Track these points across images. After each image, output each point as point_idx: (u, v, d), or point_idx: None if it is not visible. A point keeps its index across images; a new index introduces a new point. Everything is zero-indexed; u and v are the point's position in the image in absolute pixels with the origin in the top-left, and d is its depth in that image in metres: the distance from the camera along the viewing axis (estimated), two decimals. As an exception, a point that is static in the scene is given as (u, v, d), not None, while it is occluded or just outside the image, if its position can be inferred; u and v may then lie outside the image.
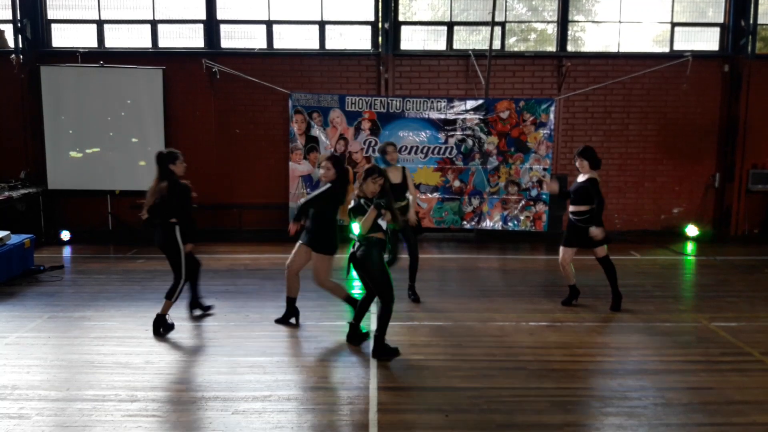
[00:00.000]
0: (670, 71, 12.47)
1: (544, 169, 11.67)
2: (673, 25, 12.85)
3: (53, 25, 12.66)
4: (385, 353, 5.95)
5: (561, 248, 7.83)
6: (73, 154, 12.32)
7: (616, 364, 6.00)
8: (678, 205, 13.18)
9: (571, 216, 7.73)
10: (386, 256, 6.20)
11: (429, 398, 5.17)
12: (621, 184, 13.06)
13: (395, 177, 7.60)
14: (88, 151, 12.34)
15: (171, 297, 6.70)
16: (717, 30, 12.94)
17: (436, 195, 11.74)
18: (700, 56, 12.50)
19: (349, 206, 6.16)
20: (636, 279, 9.34)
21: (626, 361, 6.06)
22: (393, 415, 4.87)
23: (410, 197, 7.88)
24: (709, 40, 12.97)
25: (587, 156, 7.54)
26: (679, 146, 12.95)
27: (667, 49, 12.90)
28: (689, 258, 11.10)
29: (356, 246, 6.05)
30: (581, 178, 7.64)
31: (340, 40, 12.93)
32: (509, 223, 11.80)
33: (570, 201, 7.70)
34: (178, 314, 7.35)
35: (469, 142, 11.66)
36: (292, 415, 4.86)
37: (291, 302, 7.03)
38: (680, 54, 12.49)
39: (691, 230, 12.58)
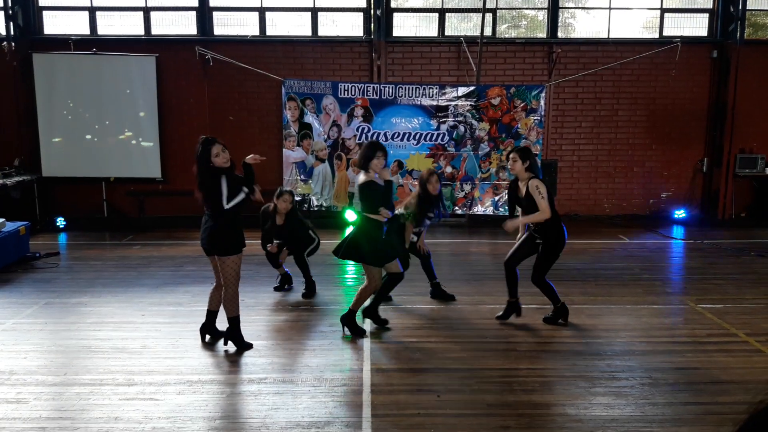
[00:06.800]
0: (660, 57, 12.56)
1: (535, 155, 11.75)
2: (663, 11, 12.92)
3: (45, 12, 12.63)
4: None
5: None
6: (66, 141, 12.34)
7: (604, 345, 6.10)
8: (666, 190, 13.31)
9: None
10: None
11: (421, 379, 5.27)
12: (610, 169, 13.18)
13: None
14: (82, 138, 12.38)
15: None
16: (706, 16, 13.03)
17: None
18: (689, 42, 12.60)
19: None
20: (624, 262, 9.49)
21: (614, 342, 6.18)
22: (386, 396, 4.96)
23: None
24: (698, 26, 13.06)
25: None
26: (668, 131, 13.07)
27: (656, 35, 12.99)
28: (677, 241, 11.23)
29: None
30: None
31: (332, 27, 12.96)
32: (500, 209, 11.91)
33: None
34: (175, 299, 7.45)
35: (461, 128, 11.74)
36: (288, 397, 4.94)
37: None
38: (669, 40, 12.58)
39: (679, 214, 12.73)
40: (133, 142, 12.46)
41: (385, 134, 11.75)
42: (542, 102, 11.71)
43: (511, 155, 6.44)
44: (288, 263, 7.89)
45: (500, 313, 6.73)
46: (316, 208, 11.97)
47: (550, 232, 6.34)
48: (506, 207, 12.18)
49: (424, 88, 11.74)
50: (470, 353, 5.85)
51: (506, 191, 11.83)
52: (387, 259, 6.17)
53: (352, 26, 12.92)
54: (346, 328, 6.33)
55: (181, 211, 12.51)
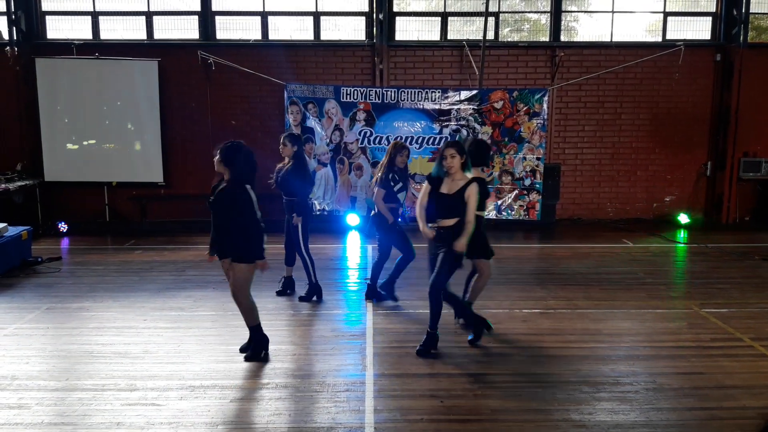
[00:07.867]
0: (663, 60, 12.54)
1: (538, 159, 11.74)
2: (666, 14, 12.90)
3: (48, 17, 12.64)
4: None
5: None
6: (69, 146, 12.37)
7: (608, 350, 6.08)
8: (670, 194, 13.28)
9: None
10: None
11: (424, 384, 5.25)
12: (613, 172, 13.15)
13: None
14: (84, 143, 12.41)
15: None
16: (709, 19, 13.01)
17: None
18: (692, 45, 12.58)
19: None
20: (628, 266, 9.44)
21: (618, 347, 6.15)
22: (389, 401, 4.94)
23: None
24: (701, 30, 13.03)
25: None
26: (671, 135, 13.04)
27: (659, 39, 12.96)
28: (681, 245, 11.19)
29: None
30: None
31: (335, 31, 12.95)
32: (503, 213, 11.88)
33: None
34: (177, 304, 7.43)
35: (464, 132, 11.72)
36: (290, 402, 4.93)
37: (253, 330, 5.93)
38: (672, 43, 12.56)
39: (683, 218, 12.69)
40: (135, 146, 12.47)
41: (387, 138, 11.72)
42: (545, 105, 11.69)
43: (449, 152, 5.69)
44: (294, 269, 7.84)
45: (470, 336, 6.22)
46: (318, 213, 11.95)
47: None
48: (509, 211, 12.22)
49: (427, 92, 11.73)
50: (473, 358, 5.83)
51: (508, 195, 11.84)
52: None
53: (354, 30, 12.92)
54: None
55: (183, 216, 12.52)
